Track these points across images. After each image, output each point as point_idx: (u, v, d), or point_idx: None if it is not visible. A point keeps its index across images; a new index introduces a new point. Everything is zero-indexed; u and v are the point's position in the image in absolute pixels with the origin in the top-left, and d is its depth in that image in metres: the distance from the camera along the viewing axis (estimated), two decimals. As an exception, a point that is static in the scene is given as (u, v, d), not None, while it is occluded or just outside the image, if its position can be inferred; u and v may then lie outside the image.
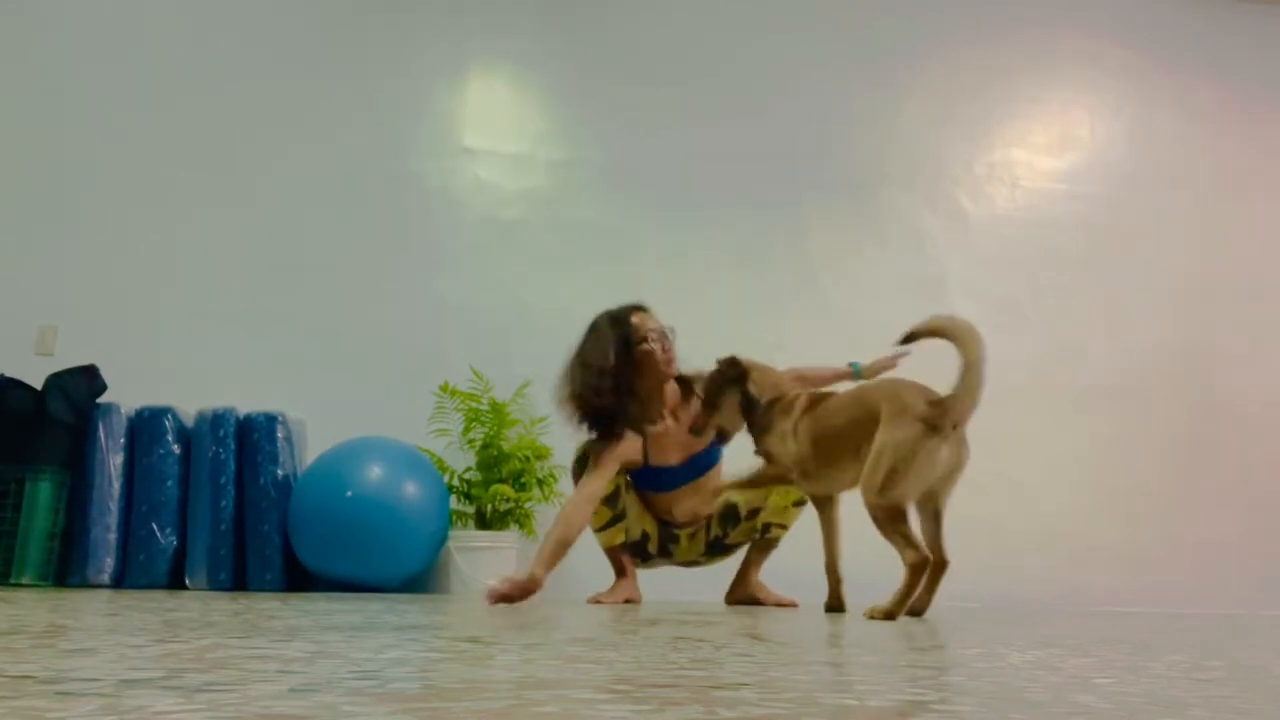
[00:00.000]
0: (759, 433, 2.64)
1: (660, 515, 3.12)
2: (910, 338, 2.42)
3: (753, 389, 2.63)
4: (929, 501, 2.39)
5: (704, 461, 3.07)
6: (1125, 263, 4.91)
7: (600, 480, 2.87)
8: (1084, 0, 5.16)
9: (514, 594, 2.58)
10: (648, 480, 3.07)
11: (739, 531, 3.09)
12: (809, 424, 2.51)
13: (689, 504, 3.09)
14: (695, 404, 2.91)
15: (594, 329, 2.97)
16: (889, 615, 2.27)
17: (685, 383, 3.06)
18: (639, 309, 3.00)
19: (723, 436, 2.82)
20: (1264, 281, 4.98)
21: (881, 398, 2.36)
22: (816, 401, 2.56)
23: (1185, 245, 4.97)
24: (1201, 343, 4.85)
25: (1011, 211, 4.92)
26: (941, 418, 2.25)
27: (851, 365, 3.04)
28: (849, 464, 2.42)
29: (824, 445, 2.47)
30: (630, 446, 2.94)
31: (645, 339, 2.92)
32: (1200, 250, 4.98)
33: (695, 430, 2.74)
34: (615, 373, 2.87)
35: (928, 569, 2.31)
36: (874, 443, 2.30)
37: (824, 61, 4.87)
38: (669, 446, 3.02)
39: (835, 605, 2.65)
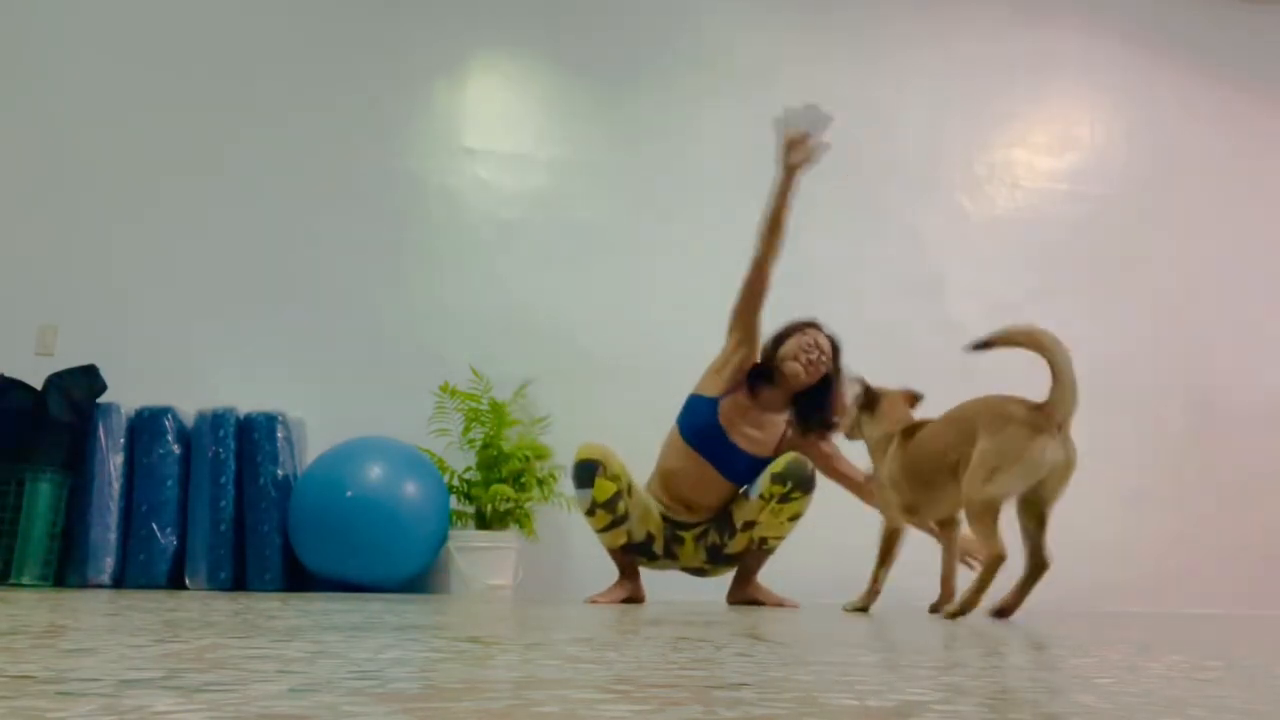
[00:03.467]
0: (873, 459, 2.79)
1: (662, 485, 3.12)
2: (985, 345, 2.49)
3: (865, 421, 2.81)
4: (1035, 504, 2.47)
5: (738, 467, 3.08)
6: (1125, 263, 4.91)
7: (756, 299, 3.15)
8: (1084, 0, 5.16)
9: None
10: (697, 415, 3.11)
11: (735, 541, 3.09)
12: (902, 456, 2.62)
13: (693, 481, 3.10)
14: (783, 423, 3.16)
15: (780, 330, 3.22)
16: (963, 610, 2.36)
17: (807, 424, 3.17)
18: (808, 326, 3.18)
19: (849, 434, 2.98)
20: (1264, 281, 4.98)
21: (978, 413, 2.44)
22: (911, 432, 2.66)
23: (1185, 245, 4.97)
24: (1202, 342, 4.86)
25: (1011, 211, 4.92)
26: (1045, 419, 2.33)
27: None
28: (950, 486, 2.50)
29: (921, 471, 2.57)
30: (749, 360, 3.13)
31: (794, 358, 3.11)
32: (1200, 250, 4.98)
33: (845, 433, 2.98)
34: (767, 364, 3.16)
35: (1001, 567, 2.38)
36: (979, 449, 2.38)
37: (824, 61, 4.87)
38: (736, 419, 3.09)
39: (942, 609, 2.70)
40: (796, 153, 3.10)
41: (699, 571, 3.20)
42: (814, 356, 3.10)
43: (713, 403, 3.10)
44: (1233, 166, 5.11)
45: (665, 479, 3.14)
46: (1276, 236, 5.06)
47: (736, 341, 3.12)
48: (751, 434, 3.09)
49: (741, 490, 3.11)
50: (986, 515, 2.36)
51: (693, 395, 3.16)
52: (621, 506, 3.01)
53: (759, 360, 3.15)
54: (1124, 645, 1.48)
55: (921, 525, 2.78)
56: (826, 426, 3.14)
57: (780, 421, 3.14)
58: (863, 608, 2.69)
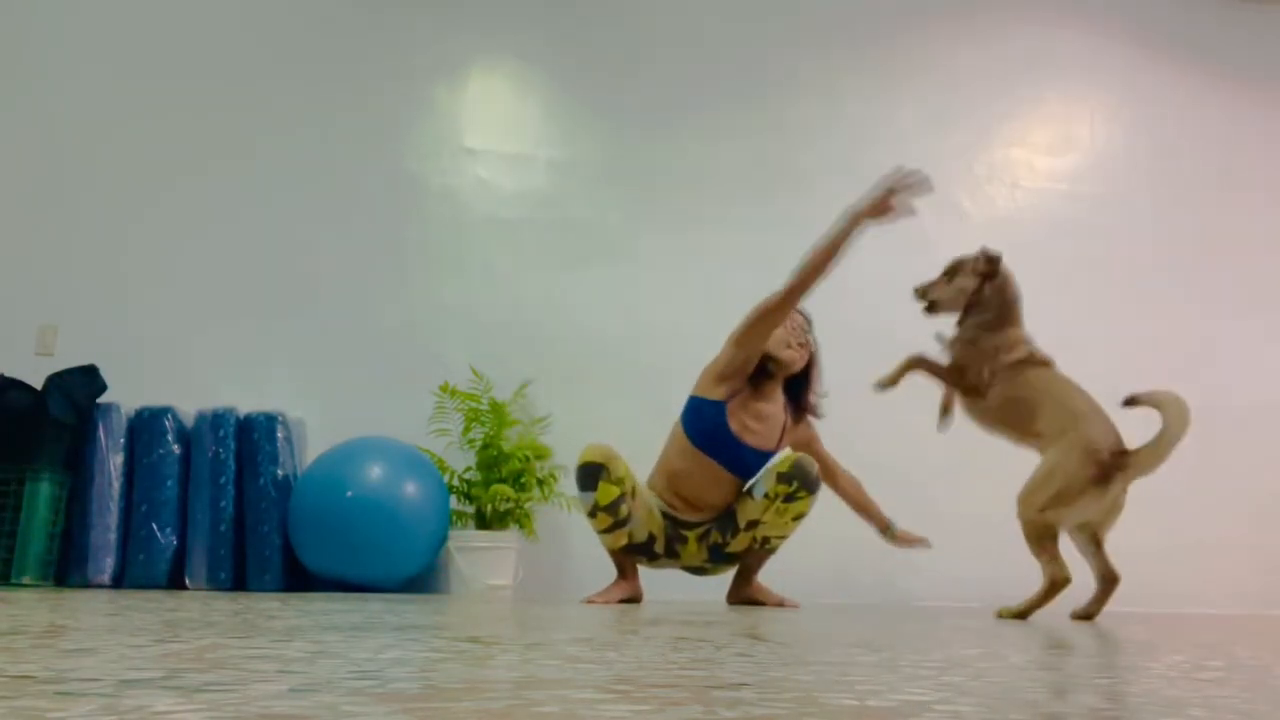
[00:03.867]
0: (966, 334, 2.85)
1: (669, 486, 3.11)
2: (1130, 402, 2.71)
3: (988, 293, 2.83)
4: (1085, 530, 2.64)
5: (746, 463, 3.08)
6: (1124, 263, 4.91)
7: (769, 314, 3.07)
8: (1084, 0, 5.16)
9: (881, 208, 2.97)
10: (705, 420, 3.09)
11: (737, 540, 3.09)
12: (1016, 374, 2.72)
13: (701, 482, 3.09)
14: (785, 418, 3.16)
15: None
16: (1021, 615, 2.50)
17: (804, 409, 3.21)
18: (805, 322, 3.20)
19: (931, 308, 3.05)
20: (1264, 281, 4.98)
21: (1081, 419, 2.57)
22: (1028, 363, 2.75)
23: (1185, 245, 4.97)
24: (1201, 342, 4.85)
25: (1011, 211, 4.92)
26: (1118, 471, 2.51)
27: (889, 523, 3.33)
28: (1011, 426, 2.72)
29: (1012, 401, 2.69)
30: (750, 366, 3.09)
31: (781, 337, 3.12)
32: (1200, 250, 4.98)
33: (917, 291, 3.08)
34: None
35: (1064, 589, 2.52)
36: (1047, 457, 2.53)
37: (823, 61, 4.87)
38: (742, 417, 3.09)
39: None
40: (880, 203, 3.04)
41: (699, 570, 3.20)
42: (803, 339, 3.14)
43: (719, 406, 3.07)
44: (1233, 166, 5.11)
45: (671, 480, 3.12)
46: (1277, 236, 5.06)
47: (745, 357, 3.07)
48: (755, 428, 3.09)
49: (745, 489, 3.10)
50: (1045, 539, 2.50)
51: (696, 398, 3.12)
52: (624, 510, 3.00)
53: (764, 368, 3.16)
54: (1124, 645, 1.48)
55: (972, 408, 2.86)
56: (811, 409, 3.22)
57: (778, 409, 3.14)
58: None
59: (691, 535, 3.11)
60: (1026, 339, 2.87)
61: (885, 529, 3.28)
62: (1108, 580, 2.61)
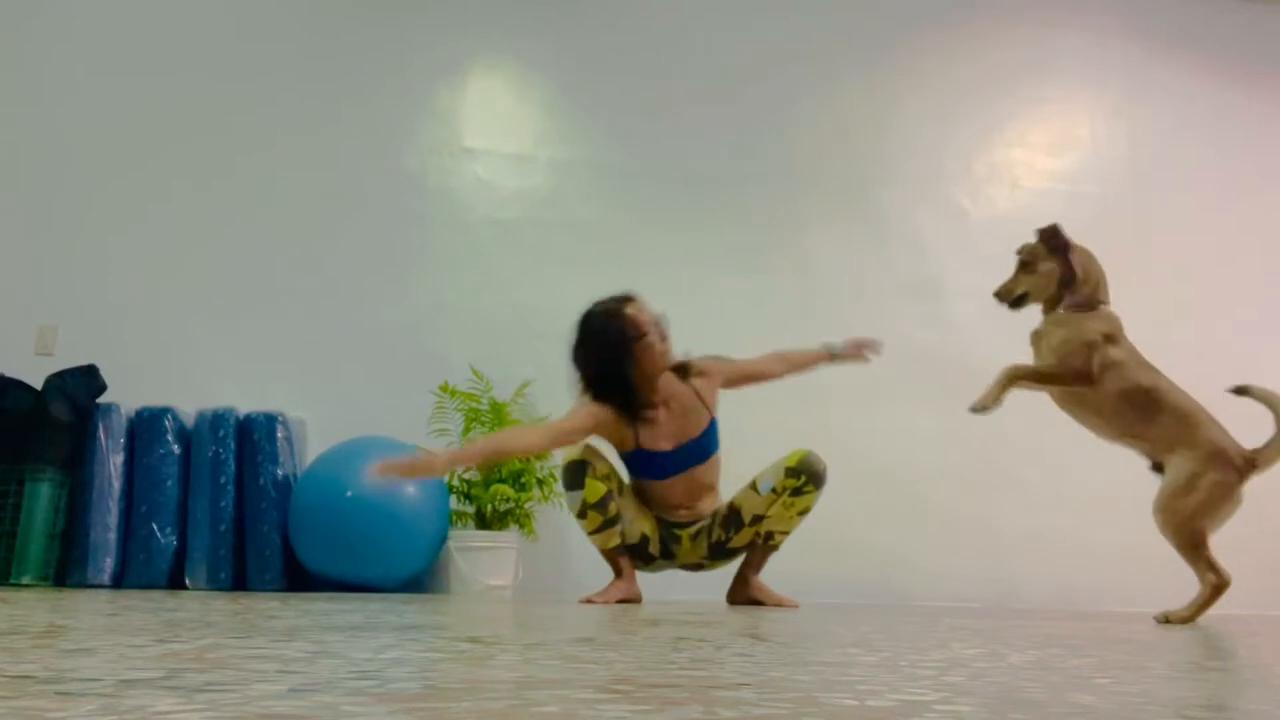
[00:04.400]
0: (1059, 321, 2.79)
1: (656, 508, 3.11)
2: (1241, 391, 2.72)
3: (1076, 266, 2.80)
4: None
5: (698, 450, 3.06)
6: (1124, 263, 4.89)
7: (564, 425, 2.96)
8: (1084, 0, 5.16)
9: (406, 469, 2.77)
10: (641, 466, 3.08)
11: (740, 535, 3.08)
12: (1129, 356, 2.73)
13: (686, 492, 3.08)
14: (688, 390, 3.06)
15: (589, 324, 2.99)
16: (1185, 620, 2.56)
17: (680, 369, 3.09)
18: (630, 300, 3.01)
19: (1019, 301, 2.96)
20: (1264, 281, 4.98)
21: (1204, 426, 2.63)
22: (1116, 342, 2.77)
23: (1185, 245, 4.96)
24: (1201, 342, 4.85)
25: (1011, 211, 4.92)
26: (1250, 470, 2.59)
27: (825, 345, 3.28)
28: (1118, 430, 2.74)
29: (1130, 395, 2.69)
30: (614, 420, 2.99)
31: (645, 334, 2.94)
32: (1200, 250, 4.97)
33: (998, 294, 2.99)
34: (616, 369, 2.94)
35: (1225, 591, 2.59)
36: (1180, 466, 2.57)
37: (824, 61, 4.87)
38: (661, 433, 3.02)
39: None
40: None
41: (697, 567, 3.19)
42: (660, 335, 2.97)
43: (639, 453, 3.04)
44: (1233, 166, 5.10)
45: (656, 504, 3.12)
46: (1277, 236, 5.06)
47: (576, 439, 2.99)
48: (673, 429, 3.04)
49: (750, 484, 3.09)
50: (1199, 547, 2.58)
51: (624, 455, 3.09)
52: (613, 507, 2.99)
53: (614, 398, 2.97)
54: (1124, 645, 1.48)
55: (1082, 391, 2.80)
56: (686, 366, 3.08)
57: (681, 393, 3.07)
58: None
59: (685, 534, 3.11)
60: (1120, 325, 2.84)
61: (831, 357, 3.27)
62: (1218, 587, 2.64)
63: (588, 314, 3.01)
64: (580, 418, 2.97)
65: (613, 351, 2.93)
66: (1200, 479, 2.52)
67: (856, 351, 3.31)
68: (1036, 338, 2.85)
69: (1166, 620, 2.55)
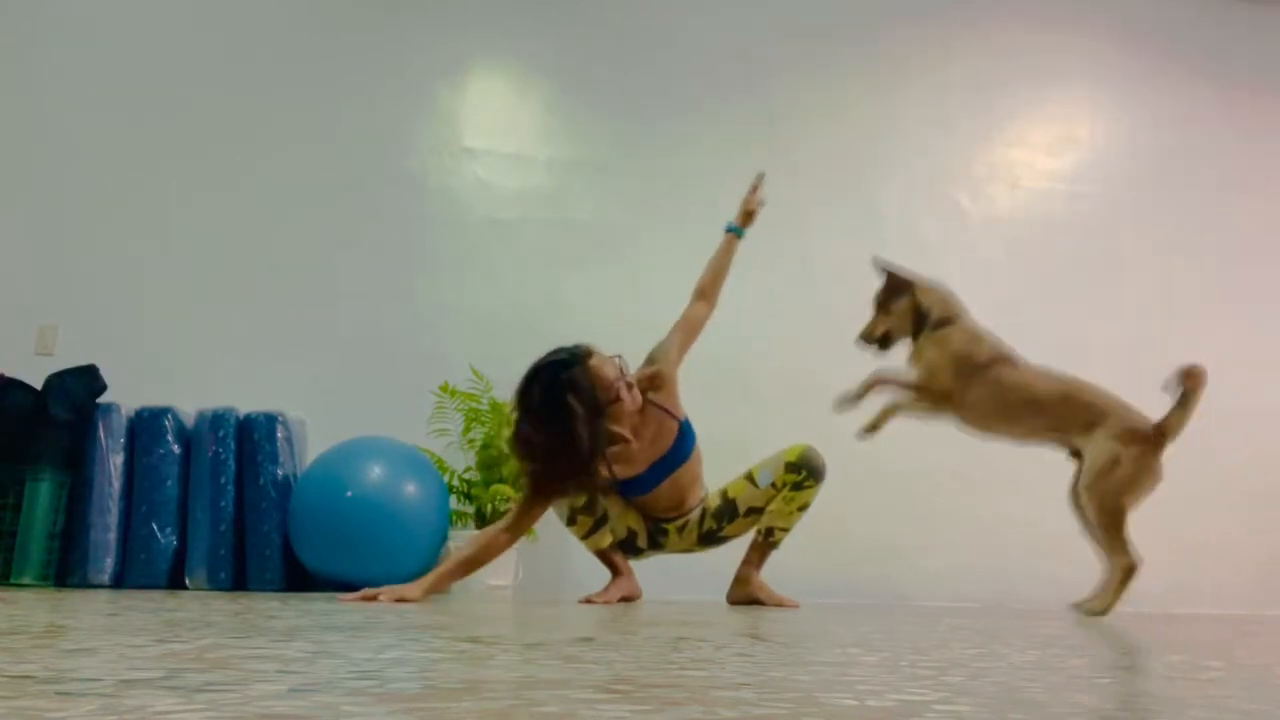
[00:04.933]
0: (922, 345, 2.89)
1: (649, 512, 3.12)
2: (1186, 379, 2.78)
3: (921, 299, 2.93)
4: None
5: (673, 460, 3.03)
6: (1125, 263, 4.91)
7: (512, 534, 2.69)
8: (1084, 1, 5.16)
9: (378, 599, 2.46)
10: (622, 489, 3.05)
11: (734, 525, 3.08)
12: (1003, 374, 2.78)
13: (670, 498, 3.07)
14: (652, 409, 2.95)
15: (549, 395, 2.57)
16: (1103, 611, 2.59)
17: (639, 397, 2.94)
18: (586, 355, 2.69)
19: (885, 340, 3.03)
20: (1263, 281, 4.98)
21: (1111, 407, 2.72)
22: (1003, 360, 2.82)
23: (1184, 245, 4.97)
24: (1200, 342, 4.85)
25: (1011, 211, 4.92)
26: (1164, 439, 2.66)
27: (728, 229, 3.30)
28: (1020, 432, 2.80)
29: (1013, 402, 2.76)
30: (597, 486, 2.85)
31: (617, 395, 2.69)
32: (1200, 250, 4.98)
33: (863, 336, 3.01)
34: (591, 449, 2.57)
35: (1136, 574, 2.60)
36: (1099, 448, 2.63)
37: (824, 61, 4.87)
38: (631, 460, 2.96)
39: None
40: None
41: (685, 551, 3.20)
42: (625, 393, 2.76)
43: (619, 483, 2.99)
44: (1233, 166, 5.11)
45: (642, 509, 3.10)
46: (1277, 236, 5.06)
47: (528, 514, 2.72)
48: (653, 444, 2.95)
49: (746, 476, 3.08)
50: (1118, 527, 2.60)
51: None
52: (599, 508, 2.99)
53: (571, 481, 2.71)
54: (1124, 645, 1.48)
55: (948, 412, 2.88)
56: (635, 384, 2.85)
57: (647, 416, 2.94)
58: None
59: (671, 528, 3.11)
60: (982, 332, 2.93)
61: (735, 236, 3.26)
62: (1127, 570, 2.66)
63: (541, 382, 2.58)
64: (524, 520, 2.67)
65: (589, 431, 2.53)
66: (1122, 457, 2.60)
67: (751, 207, 3.29)
68: (913, 361, 2.98)
69: (1085, 611, 2.61)
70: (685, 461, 3.04)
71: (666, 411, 3.00)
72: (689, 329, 3.14)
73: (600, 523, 3.00)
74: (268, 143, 4.40)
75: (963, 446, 4.50)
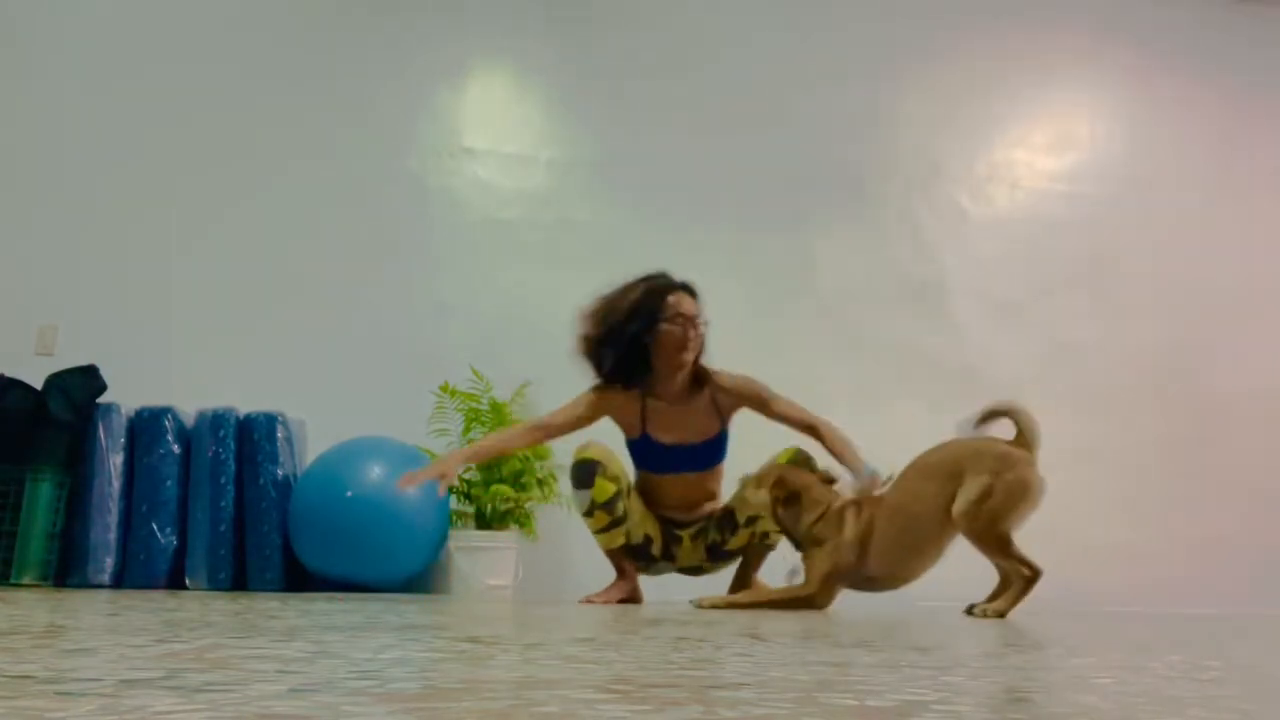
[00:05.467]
0: (809, 546, 2.70)
1: (657, 505, 3.12)
2: (987, 418, 2.69)
3: (803, 512, 2.70)
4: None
5: (705, 456, 3.07)
6: (1125, 263, 4.91)
7: (566, 415, 3.02)
8: (1084, 1, 5.16)
9: (421, 478, 2.85)
10: (644, 454, 3.09)
11: (737, 537, 3.09)
12: (880, 529, 2.62)
13: (683, 494, 3.09)
14: (705, 398, 3.03)
15: (630, 288, 3.00)
16: (1001, 614, 2.54)
17: (702, 376, 3.06)
18: (682, 289, 3.01)
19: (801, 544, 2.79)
20: (1263, 281, 4.98)
21: (959, 457, 2.58)
22: (873, 504, 2.66)
23: (1185, 245, 4.97)
24: (1201, 342, 4.86)
25: (1011, 211, 4.92)
26: (1029, 454, 2.58)
27: (869, 469, 2.83)
28: (937, 543, 2.63)
29: (909, 539, 2.62)
30: (623, 407, 3.03)
31: (670, 319, 2.93)
32: (1199, 250, 4.98)
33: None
34: (630, 338, 2.93)
35: (1036, 582, 2.57)
36: (970, 487, 2.51)
37: (824, 61, 4.87)
38: (666, 423, 3.04)
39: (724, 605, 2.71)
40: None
41: (696, 570, 3.20)
42: (691, 333, 2.95)
43: (640, 441, 3.08)
44: (1232, 166, 5.11)
45: (650, 495, 3.14)
46: (1276, 236, 5.06)
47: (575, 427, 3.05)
48: (698, 424, 3.06)
49: (741, 485, 3.10)
50: (1007, 545, 2.53)
51: (630, 442, 3.12)
52: (620, 508, 3.01)
53: (632, 380, 2.99)
54: (1124, 645, 1.48)
55: (882, 587, 2.75)
56: (706, 375, 3.02)
57: (696, 396, 3.06)
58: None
59: (685, 535, 3.12)
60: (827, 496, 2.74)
61: (857, 478, 2.90)
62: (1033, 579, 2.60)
63: (634, 280, 3.00)
64: (584, 404, 3.02)
65: (635, 322, 2.92)
66: (993, 491, 2.51)
67: (868, 486, 2.89)
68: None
69: (982, 614, 2.54)
70: (706, 468, 3.09)
71: (716, 408, 3.05)
72: (772, 408, 3.03)
73: (616, 523, 3.02)
74: (268, 143, 4.40)
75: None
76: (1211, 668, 1.10)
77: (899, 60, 4.95)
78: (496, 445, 3.15)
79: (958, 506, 2.53)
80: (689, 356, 2.98)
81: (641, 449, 3.10)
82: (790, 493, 2.73)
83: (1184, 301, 4.90)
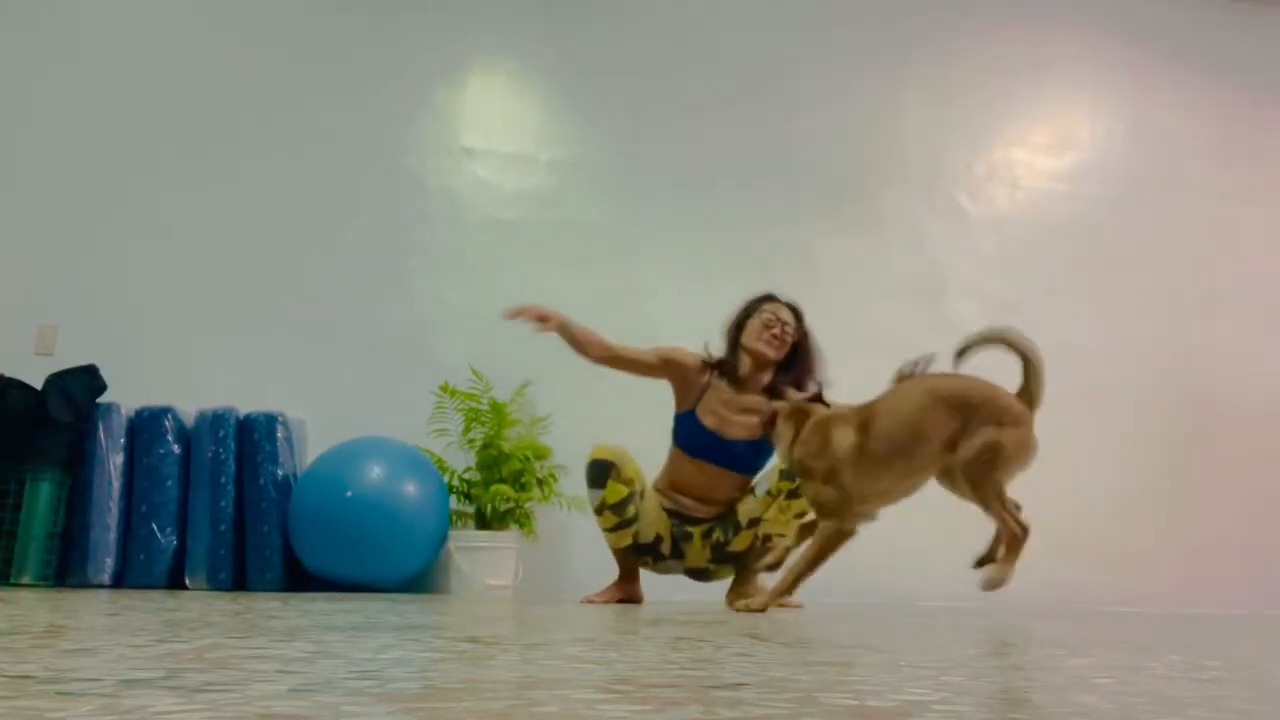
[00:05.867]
0: (803, 478, 2.67)
1: (680, 489, 3.13)
2: (963, 351, 2.59)
3: (800, 439, 2.65)
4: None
5: (737, 456, 3.09)
6: (1125, 263, 4.91)
7: (638, 354, 3.21)
8: (1084, 1, 5.16)
9: (531, 313, 3.22)
10: (683, 430, 3.12)
11: (739, 538, 3.09)
12: (877, 438, 2.56)
13: (707, 487, 3.11)
14: (764, 406, 2.93)
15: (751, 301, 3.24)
16: (1001, 583, 2.42)
17: (778, 391, 3.09)
18: (787, 305, 3.20)
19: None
20: (1263, 281, 4.98)
21: (979, 395, 2.52)
22: (866, 417, 2.59)
23: (1184, 245, 4.97)
24: (1200, 342, 4.86)
25: (1011, 211, 4.92)
26: (1029, 411, 2.52)
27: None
28: (929, 467, 2.57)
29: (905, 451, 2.55)
30: (688, 378, 3.15)
31: (760, 315, 3.15)
32: (1199, 250, 4.98)
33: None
34: (731, 327, 3.21)
35: (1026, 539, 2.46)
36: (979, 436, 2.46)
37: (824, 61, 4.87)
38: (715, 405, 3.10)
39: (760, 608, 2.65)
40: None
41: (702, 573, 3.20)
42: (776, 331, 3.11)
43: (687, 417, 3.13)
44: (1232, 166, 5.11)
45: (677, 484, 3.16)
46: (1276, 236, 5.06)
47: (644, 372, 3.24)
48: (745, 421, 3.08)
49: (749, 486, 3.11)
50: (1003, 498, 2.48)
51: (678, 415, 3.19)
52: (631, 510, 3.02)
53: (713, 357, 3.20)
54: (1124, 645, 1.48)
55: (871, 509, 2.70)
56: (797, 387, 3.10)
57: (757, 401, 3.10)
58: (761, 608, 2.59)
59: (696, 532, 3.12)
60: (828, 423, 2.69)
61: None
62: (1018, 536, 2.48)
63: (744, 306, 3.24)
64: (657, 355, 3.20)
65: (735, 318, 3.20)
66: (1002, 445, 2.45)
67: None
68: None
69: (986, 581, 2.40)
70: (735, 469, 3.11)
71: (770, 421, 2.92)
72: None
73: (625, 524, 3.03)
74: (268, 143, 4.40)
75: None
76: (1211, 668, 1.10)
77: (899, 60, 4.95)
78: (582, 335, 3.24)
79: (965, 453, 2.47)
80: (767, 351, 3.09)
81: (685, 425, 3.14)
82: (798, 416, 2.73)
83: (1184, 301, 4.90)
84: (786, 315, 3.17)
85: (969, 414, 2.50)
